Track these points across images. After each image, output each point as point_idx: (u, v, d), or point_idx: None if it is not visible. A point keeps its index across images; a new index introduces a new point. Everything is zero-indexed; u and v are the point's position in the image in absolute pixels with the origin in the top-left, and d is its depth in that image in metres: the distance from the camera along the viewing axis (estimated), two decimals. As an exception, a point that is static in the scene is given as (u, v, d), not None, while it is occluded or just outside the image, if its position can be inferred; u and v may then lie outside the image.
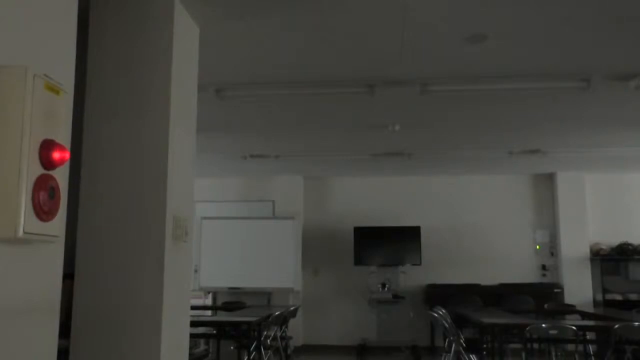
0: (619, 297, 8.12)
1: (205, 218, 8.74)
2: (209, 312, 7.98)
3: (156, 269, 2.87)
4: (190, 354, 3.49)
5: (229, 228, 8.70)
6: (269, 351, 6.02)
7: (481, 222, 8.86)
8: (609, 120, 5.77)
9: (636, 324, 4.83)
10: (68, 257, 2.24)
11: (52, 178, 1.81)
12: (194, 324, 4.32)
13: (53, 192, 1.93)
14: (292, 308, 7.08)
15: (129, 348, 2.83)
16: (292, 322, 7.31)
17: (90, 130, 2.99)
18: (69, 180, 2.15)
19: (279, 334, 6.40)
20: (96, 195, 2.94)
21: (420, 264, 8.49)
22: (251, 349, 5.72)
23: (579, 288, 8.36)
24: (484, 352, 5.55)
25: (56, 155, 1.78)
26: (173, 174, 3.01)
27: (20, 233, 1.63)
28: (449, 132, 6.38)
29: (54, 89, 1.83)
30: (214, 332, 5.67)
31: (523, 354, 5.15)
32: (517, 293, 8.19)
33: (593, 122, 5.88)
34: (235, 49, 3.95)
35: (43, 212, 1.85)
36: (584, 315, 7.01)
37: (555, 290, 8.32)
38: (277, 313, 5.98)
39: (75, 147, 2.75)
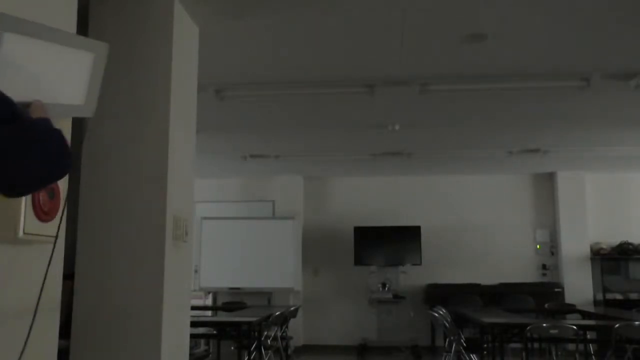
0: (619, 297, 8.12)
1: (205, 218, 8.74)
2: (209, 313, 7.98)
3: (156, 269, 2.87)
4: (190, 355, 3.48)
5: (229, 228, 8.70)
6: (270, 351, 6.02)
7: (481, 222, 8.85)
8: (608, 119, 5.77)
9: (637, 323, 4.82)
10: (68, 257, 2.24)
11: (52, 178, 1.81)
12: (194, 324, 4.32)
13: (53, 193, 1.93)
14: (292, 308, 7.08)
15: (129, 348, 2.83)
16: (292, 322, 7.30)
17: (90, 130, 2.99)
18: (69, 180, 2.15)
19: (279, 334, 6.40)
20: (96, 195, 2.93)
21: (420, 264, 8.48)
22: (251, 349, 5.72)
23: (580, 287, 8.35)
24: (485, 352, 5.54)
25: (56, 155, 1.77)
26: (173, 174, 3.01)
27: (20, 234, 1.63)
28: (449, 132, 6.38)
29: (53, 89, 1.82)
30: (215, 332, 5.67)
31: (523, 354, 5.15)
32: (517, 293, 8.18)
33: (593, 122, 5.88)
34: (235, 49, 3.95)
35: (43, 212, 1.85)
36: (585, 314, 7.01)
37: (556, 289, 8.31)
38: (277, 313, 5.98)
39: (75, 147, 2.75)
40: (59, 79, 1.60)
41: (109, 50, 1.78)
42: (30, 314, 1.40)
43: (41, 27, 1.56)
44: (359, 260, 8.58)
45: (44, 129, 1.24)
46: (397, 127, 5.96)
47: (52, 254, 1.47)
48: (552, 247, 8.73)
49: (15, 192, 1.28)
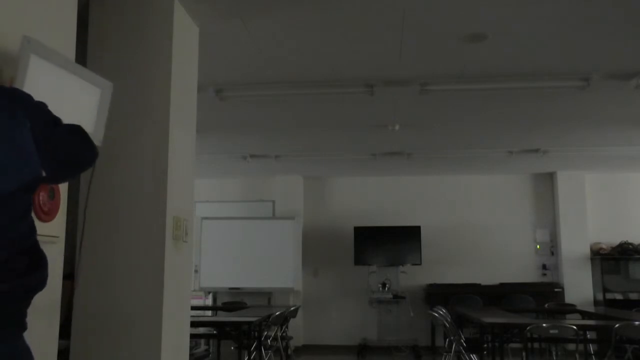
0: (619, 297, 8.11)
1: (205, 218, 8.73)
2: (209, 313, 7.98)
3: (156, 269, 2.87)
4: (190, 354, 3.48)
5: (229, 228, 8.70)
6: (270, 351, 6.02)
7: (481, 221, 8.85)
8: (608, 119, 5.77)
9: (637, 323, 4.82)
10: (68, 257, 2.24)
11: (52, 178, 1.82)
12: (194, 324, 4.32)
13: (53, 193, 1.93)
14: (292, 308, 7.08)
15: (129, 348, 2.83)
16: (292, 322, 7.30)
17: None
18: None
19: (279, 334, 6.40)
20: (96, 195, 2.93)
21: (420, 264, 8.48)
22: (252, 349, 5.72)
23: (579, 287, 8.35)
24: (485, 352, 5.54)
25: (56, 155, 1.79)
26: (173, 174, 3.01)
27: (21, 233, 1.63)
28: (449, 132, 6.38)
29: (53, 89, 1.83)
30: (215, 332, 5.67)
31: (523, 354, 5.15)
32: (517, 292, 8.17)
33: (593, 121, 5.88)
34: (235, 49, 3.95)
35: (43, 212, 1.85)
36: (585, 314, 7.01)
37: (556, 289, 8.31)
38: (277, 313, 5.98)
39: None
40: (72, 104, 1.79)
41: (112, 89, 2.04)
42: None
43: (58, 54, 1.74)
44: (359, 260, 8.58)
45: (82, 128, 1.62)
46: (397, 127, 5.96)
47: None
48: (552, 247, 8.73)
49: (71, 173, 1.72)
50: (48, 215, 1.89)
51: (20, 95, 1.48)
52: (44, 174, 1.48)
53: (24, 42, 1.67)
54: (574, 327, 4.82)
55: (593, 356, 6.51)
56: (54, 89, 1.76)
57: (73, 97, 1.87)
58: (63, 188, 2.07)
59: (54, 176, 1.62)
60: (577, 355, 4.89)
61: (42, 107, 1.52)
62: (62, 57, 1.78)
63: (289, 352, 7.78)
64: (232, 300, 8.46)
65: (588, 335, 5.71)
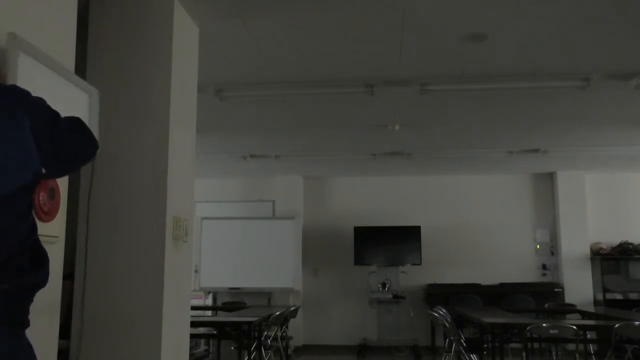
0: (619, 297, 8.11)
1: (205, 218, 8.73)
2: (209, 313, 7.98)
3: (156, 269, 2.87)
4: (190, 355, 3.48)
5: (229, 228, 8.70)
6: (270, 351, 6.02)
7: (481, 221, 8.85)
8: (608, 119, 5.77)
9: (637, 323, 4.82)
10: (67, 257, 2.24)
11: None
12: (194, 324, 4.31)
13: (53, 193, 1.93)
14: (292, 308, 7.08)
15: (129, 348, 2.83)
16: (292, 322, 7.30)
17: (90, 130, 2.98)
18: (69, 180, 2.15)
19: (279, 334, 6.40)
20: (96, 195, 2.93)
21: (420, 264, 8.48)
22: (251, 349, 5.72)
23: (579, 287, 8.35)
24: (485, 352, 5.54)
25: (56, 155, 1.79)
26: (173, 174, 3.01)
27: (20, 233, 1.62)
28: (449, 132, 6.38)
29: (53, 89, 1.83)
30: (215, 332, 5.67)
31: (523, 354, 5.15)
32: (517, 292, 8.17)
33: (593, 122, 5.88)
34: (235, 49, 3.95)
35: (43, 212, 1.85)
36: (585, 314, 7.01)
37: (556, 289, 8.31)
38: (277, 313, 5.98)
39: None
40: (62, 106, 1.76)
41: (99, 96, 2.01)
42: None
43: (46, 55, 1.72)
44: (359, 260, 8.58)
45: (82, 121, 1.62)
46: (397, 127, 5.96)
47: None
48: (552, 247, 8.73)
49: (71, 170, 1.70)
50: (48, 215, 1.89)
51: (19, 94, 1.47)
52: (43, 172, 1.49)
53: (10, 39, 1.65)
54: (574, 327, 4.82)
55: (593, 356, 6.51)
56: (45, 89, 1.75)
57: (62, 99, 1.86)
58: (63, 188, 2.07)
59: (54, 174, 1.65)
60: (577, 355, 4.89)
61: (40, 103, 1.51)
62: (49, 58, 1.77)
63: (289, 352, 7.78)
64: (232, 300, 8.46)
65: (588, 335, 5.71)
